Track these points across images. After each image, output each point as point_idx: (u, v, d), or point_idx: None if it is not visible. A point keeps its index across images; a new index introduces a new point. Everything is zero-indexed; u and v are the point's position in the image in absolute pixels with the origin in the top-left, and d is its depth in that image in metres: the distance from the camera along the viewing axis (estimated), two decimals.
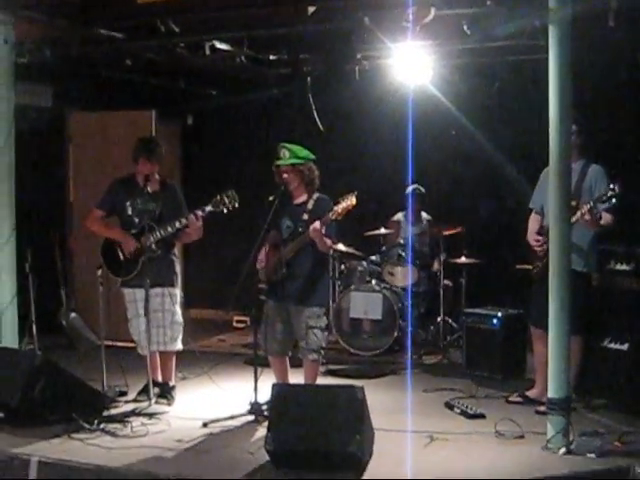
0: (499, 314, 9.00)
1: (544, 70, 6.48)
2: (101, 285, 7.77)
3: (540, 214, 7.85)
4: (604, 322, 7.71)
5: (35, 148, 10.54)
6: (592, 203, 7.10)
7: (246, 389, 7.61)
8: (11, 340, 8.58)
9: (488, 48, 9.55)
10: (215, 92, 12.45)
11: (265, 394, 6.91)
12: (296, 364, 7.77)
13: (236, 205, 7.65)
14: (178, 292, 8.10)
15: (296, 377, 7.67)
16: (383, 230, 10.67)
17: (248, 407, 7.44)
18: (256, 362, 7.46)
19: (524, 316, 8.69)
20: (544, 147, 6.57)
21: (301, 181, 7.47)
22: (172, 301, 7.93)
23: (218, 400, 8.05)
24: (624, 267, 7.56)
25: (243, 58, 9.92)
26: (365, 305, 10.16)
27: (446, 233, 10.32)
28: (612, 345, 7.62)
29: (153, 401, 7.77)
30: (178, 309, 8.04)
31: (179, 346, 8.07)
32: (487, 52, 9.79)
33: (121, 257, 7.94)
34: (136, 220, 7.93)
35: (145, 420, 7.36)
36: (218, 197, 7.67)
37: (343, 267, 10.78)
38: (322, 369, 8.39)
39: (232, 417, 7.40)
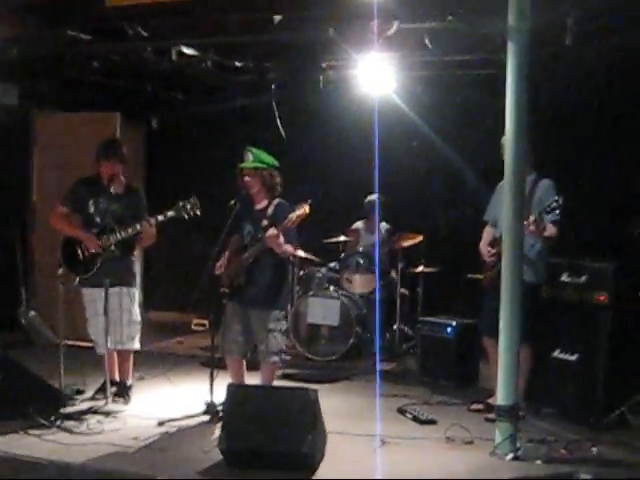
0: (453, 323, 9.15)
1: (504, 84, 6.62)
2: (61, 284, 7.80)
3: (494, 226, 8.01)
4: (554, 333, 7.84)
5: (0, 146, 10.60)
6: (537, 214, 7.25)
7: (202, 390, 7.68)
8: None
9: (450, 61, 9.73)
10: (181, 96, 12.51)
11: (221, 395, 7.01)
12: (252, 367, 7.85)
13: (198, 213, 7.74)
14: (137, 292, 8.17)
15: (252, 380, 7.75)
16: (343, 238, 10.77)
17: (204, 407, 7.52)
18: (213, 363, 7.54)
19: (477, 325, 8.83)
20: (503, 160, 6.71)
21: (262, 186, 7.55)
22: (130, 300, 8.00)
23: (174, 400, 8.12)
24: (575, 279, 7.69)
25: (209, 64, 10.02)
26: (323, 311, 10.25)
27: (405, 243, 10.44)
28: (562, 356, 7.74)
29: (110, 400, 7.80)
30: (136, 309, 8.11)
31: (136, 345, 8.14)
32: (449, 65, 9.96)
33: (80, 256, 7.98)
34: (97, 219, 7.98)
35: (101, 418, 7.42)
36: (180, 204, 7.75)
37: (302, 273, 10.86)
38: (278, 373, 8.45)
39: (187, 417, 7.46)
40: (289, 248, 7.41)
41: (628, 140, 9.78)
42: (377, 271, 10.31)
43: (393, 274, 10.67)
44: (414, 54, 9.45)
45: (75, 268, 8.03)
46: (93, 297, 8.00)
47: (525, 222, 7.20)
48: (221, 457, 6.27)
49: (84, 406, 7.77)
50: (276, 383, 7.92)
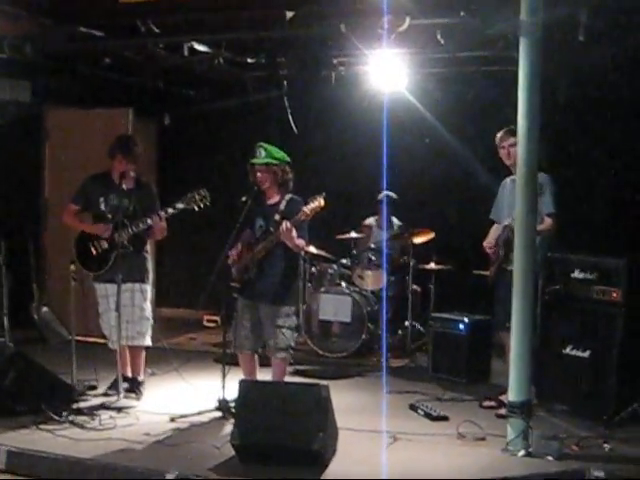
0: (465, 319, 9.15)
1: (516, 81, 6.60)
2: (73, 280, 7.82)
3: (499, 224, 8.03)
4: (566, 329, 7.84)
5: (12, 143, 10.62)
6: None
7: (214, 386, 7.68)
8: None
9: (462, 58, 9.72)
10: (193, 93, 12.53)
11: (233, 392, 7.03)
12: (265, 363, 7.85)
13: (207, 204, 7.75)
14: (149, 288, 8.19)
15: (264, 376, 7.74)
16: (354, 234, 10.77)
17: (216, 403, 7.53)
18: (224, 359, 7.56)
19: (490, 321, 8.83)
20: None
21: (274, 181, 7.56)
22: (142, 297, 8.03)
23: (186, 396, 8.14)
24: (587, 276, 7.67)
25: (221, 60, 10.02)
26: (334, 307, 10.26)
27: (417, 239, 10.45)
28: (573, 352, 7.73)
29: (122, 395, 7.81)
30: (148, 305, 8.14)
31: (147, 342, 8.16)
32: (461, 61, 9.96)
33: (94, 252, 8.02)
34: (109, 216, 8.01)
35: (113, 414, 7.44)
36: (189, 195, 7.77)
37: (314, 269, 10.88)
38: (290, 369, 8.48)
39: (199, 413, 7.49)
40: (301, 242, 7.41)
41: None
42: (384, 267, 10.32)
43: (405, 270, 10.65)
44: (426, 50, 9.44)
45: (89, 264, 8.08)
46: (106, 293, 8.03)
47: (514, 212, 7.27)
48: (233, 453, 6.28)
49: (96, 402, 7.80)
50: (288, 379, 7.94)
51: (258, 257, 7.47)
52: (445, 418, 7.53)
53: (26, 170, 11.42)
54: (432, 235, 10.45)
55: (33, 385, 7.37)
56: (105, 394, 8.01)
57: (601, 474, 5.92)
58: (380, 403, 8.09)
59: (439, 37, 8.61)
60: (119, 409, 7.59)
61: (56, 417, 7.10)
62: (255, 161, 7.54)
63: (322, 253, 10.79)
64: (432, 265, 10.43)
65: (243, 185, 7.71)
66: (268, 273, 7.49)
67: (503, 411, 7.30)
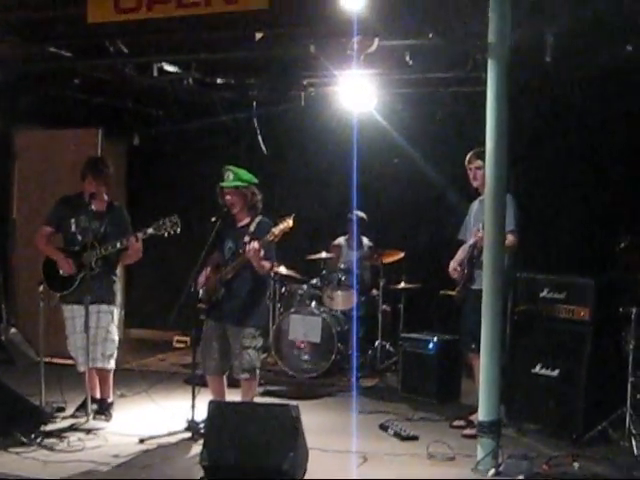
0: (435, 339, 9.17)
1: (484, 101, 6.65)
2: (42, 301, 7.79)
3: None
4: (535, 349, 7.87)
5: None
6: (481, 225, 7.30)
7: (184, 407, 7.66)
8: None
9: (431, 78, 9.78)
10: (162, 113, 12.52)
11: (203, 412, 7.01)
12: (234, 384, 7.82)
13: (178, 231, 7.72)
14: (116, 310, 8.14)
15: (234, 397, 7.71)
16: (324, 254, 10.78)
17: (185, 424, 7.51)
18: (194, 381, 7.53)
19: (458, 342, 8.87)
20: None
21: (244, 204, 7.58)
22: (107, 319, 7.98)
23: (156, 417, 8.09)
24: (555, 295, 7.73)
25: (190, 81, 10.03)
26: (304, 328, 10.24)
27: (386, 259, 10.48)
28: (543, 371, 7.76)
29: (91, 417, 7.77)
30: (114, 328, 8.08)
31: (111, 365, 8.09)
32: (429, 82, 10.01)
33: (61, 272, 7.98)
34: (79, 237, 7.98)
35: (82, 435, 7.41)
36: (161, 221, 7.74)
37: (284, 290, 10.87)
38: (260, 389, 8.46)
39: (169, 434, 7.46)
40: (267, 264, 7.41)
41: (609, 155, 9.85)
42: (355, 287, 10.33)
43: (374, 291, 10.69)
44: (395, 71, 9.49)
45: (55, 285, 8.03)
46: (72, 314, 7.98)
47: (474, 230, 7.34)
48: (203, 474, 6.24)
49: (65, 424, 7.75)
50: (258, 399, 7.92)
51: (226, 278, 7.48)
52: (415, 438, 7.54)
53: None
54: (401, 255, 10.47)
55: (0, 407, 7.29)
56: (74, 416, 7.95)
57: None
58: (350, 423, 8.09)
59: (407, 58, 8.67)
60: (88, 431, 7.55)
61: (24, 439, 7.04)
62: (224, 184, 7.55)
63: (292, 273, 10.80)
64: (402, 285, 10.45)
65: (212, 206, 7.71)
66: (235, 294, 7.49)
67: (469, 431, 7.38)
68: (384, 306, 10.56)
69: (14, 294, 11.31)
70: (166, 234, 7.73)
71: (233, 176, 7.51)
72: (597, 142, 9.92)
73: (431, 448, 7.03)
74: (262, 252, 7.24)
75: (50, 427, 7.54)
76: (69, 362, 8.39)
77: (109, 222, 8.00)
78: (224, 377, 7.72)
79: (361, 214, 10.74)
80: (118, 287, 8.21)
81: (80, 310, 7.74)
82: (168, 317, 7.94)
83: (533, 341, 7.92)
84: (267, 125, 10.98)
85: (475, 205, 8.07)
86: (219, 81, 10.30)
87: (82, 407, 7.93)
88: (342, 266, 10.66)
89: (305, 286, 10.79)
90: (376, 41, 8.16)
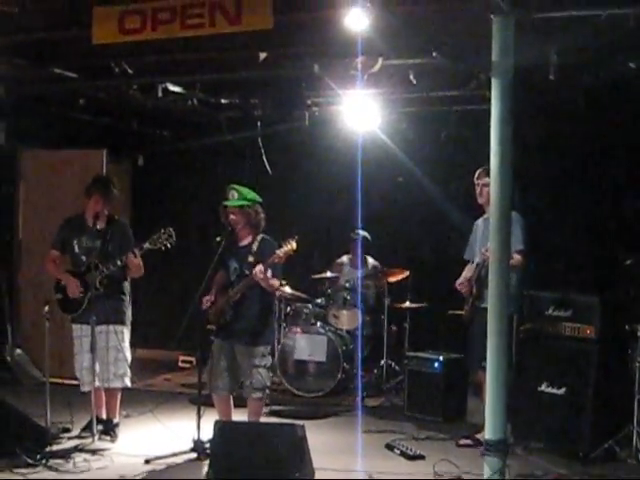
0: (440, 358, 9.16)
1: (489, 120, 6.65)
2: (47, 321, 7.78)
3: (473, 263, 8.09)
4: (541, 367, 7.86)
5: None
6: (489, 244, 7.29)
7: (189, 427, 7.64)
8: None
9: (435, 97, 9.80)
10: (167, 133, 12.55)
11: (208, 432, 7.01)
12: (240, 404, 7.83)
13: (173, 243, 7.72)
14: (126, 330, 8.14)
15: (239, 416, 7.70)
16: (329, 273, 10.78)
17: (191, 445, 7.48)
18: (200, 400, 7.52)
19: (464, 360, 8.86)
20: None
21: (247, 223, 7.59)
22: (118, 338, 7.97)
23: (161, 438, 8.07)
24: (561, 313, 7.73)
25: (195, 101, 10.06)
26: (310, 347, 10.23)
27: (391, 278, 10.47)
28: (549, 389, 7.75)
29: (96, 437, 7.77)
30: (125, 346, 8.08)
31: (126, 383, 8.10)
32: (434, 101, 10.03)
33: (69, 294, 8.00)
34: (83, 258, 8.00)
35: (88, 456, 7.38)
36: (156, 235, 7.75)
37: (289, 309, 10.85)
38: (266, 410, 8.44)
39: (174, 454, 7.43)
40: (275, 282, 7.45)
41: (614, 171, 9.84)
42: (359, 305, 10.33)
43: (380, 309, 10.66)
44: (399, 90, 9.51)
45: (65, 306, 8.06)
46: (80, 334, 8.00)
47: (483, 250, 7.33)
48: None
49: (71, 444, 7.73)
50: (263, 419, 7.90)
51: (234, 299, 7.48)
52: (421, 457, 7.52)
53: (0, 211, 11.36)
54: (406, 274, 10.46)
55: (6, 428, 7.28)
56: (79, 436, 7.94)
57: None
58: (356, 443, 8.07)
59: (412, 77, 8.69)
60: (94, 451, 7.52)
61: (30, 460, 7.02)
62: (228, 203, 7.57)
63: (297, 293, 10.77)
64: (407, 304, 10.43)
65: (217, 226, 7.73)
66: (244, 314, 7.49)
67: (465, 441, 7.61)
68: (390, 325, 10.54)
69: (20, 315, 11.30)
70: (163, 247, 7.74)
71: (238, 195, 7.53)
72: (602, 159, 9.91)
73: (437, 467, 7.02)
74: (269, 273, 7.26)
75: (56, 448, 7.51)
76: (75, 382, 8.38)
77: (111, 239, 8.01)
78: (231, 397, 7.71)
79: (364, 233, 10.72)
80: (127, 306, 8.19)
81: (87, 330, 7.78)
82: (174, 337, 7.94)
83: (539, 359, 7.91)
84: (271, 145, 10.99)
85: (480, 223, 8.08)
86: (223, 101, 10.35)
87: (88, 428, 7.92)
88: (347, 285, 10.65)
89: (310, 305, 10.77)
90: (380, 61, 8.20)
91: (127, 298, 8.23)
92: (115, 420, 8.15)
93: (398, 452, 7.69)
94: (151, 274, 8.12)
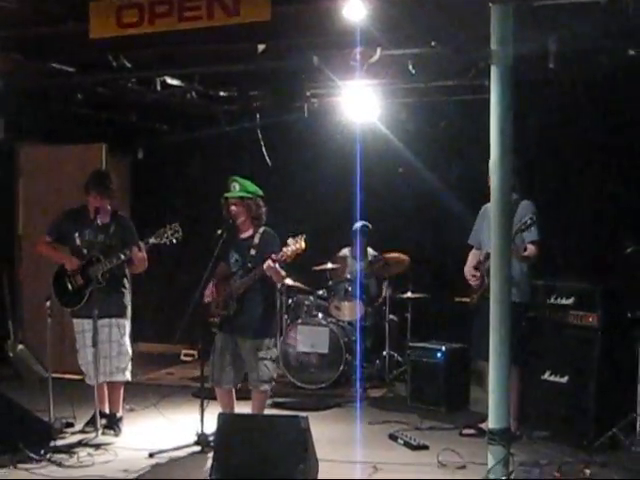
0: (443, 348, 9.16)
1: (489, 109, 6.63)
2: (49, 317, 7.78)
3: (478, 249, 8.06)
4: (544, 355, 7.86)
5: None
6: (513, 233, 7.28)
7: (193, 420, 7.64)
8: None
9: (434, 87, 9.78)
10: (166, 127, 12.53)
11: (212, 425, 7.01)
12: (242, 397, 7.84)
13: (179, 238, 7.71)
14: (127, 323, 8.13)
15: (242, 409, 7.70)
16: (330, 265, 10.77)
17: (195, 438, 7.49)
18: (203, 394, 7.51)
19: (469, 350, 8.85)
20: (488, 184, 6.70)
21: (248, 215, 7.58)
22: (120, 332, 7.98)
23: (165, 431, 8.10)
24: (565, 301, 7.72)
25: (194, 94, 10.04)
26: (312, 339, 10.22)
27: (391, 267, 10.45)
28: (552, 378, 7.76)
29: (100, 432, 7.77)
30: (126, 340, 8.08)
31: (127, 377, 8.10)
32: (433, 91, 10.01)
33: (70, 288, 7.98)
34: (84, 251, 7.98)
35: (92, 451, 7.39)
36: (162, 230, 7.73)
37: (290, 301, 10.84)
38: (268, 402, 8.42)
39: (178, 448, 7.44)
40: (283, 273, 7.45)
41: (615, 160, 9.82)
42: (358, 297, 10.32)
43: (381, 300, 10.65)
44: (398, 81, 9.49)
45: (65, 300, 8.04)
46: (82, 328, 7.98)
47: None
48: None
49: (74, 439, 7.74)
50: (266, 412, 7.89)
51: (238, 293, 7.46)
52: (425, 447, 7.52)
53: None
54: (406, 258, 10.43)
55: (9, 423, 7.28)
56: (83, 431, 7.94)
57: None
58: (359, 434, 8.07)
59: (411, 67, 8.68)
60: (97, 446, 7.53)
61: (34, 456, 7.02)
62: (229, 195, 7.57)
63: (298, 285, 10.77)
64: (409, 294, 10.43)
65: (217, 218, 7.71)
66: (248, 307, 7.47)
67: (468, 430, 7.72)
68: (391, 316, 10.55)
69: (21, 310, 11.31)
70: (168, 242, 7.73)
71: (239, 187, 7.53)
72: (603, 147, 9.89)
73: (441, 457, 7.02)
74: (277, 265, 7.25)
75: (59, 443, 7.54)
76: (77, 377, 8.40)
77: (114, 234, 8.00)
78: (233, 390, 7.70)
79: (366, 224, 10.69)
80: (128, 300, 8.18)
81: (90, 324, 7.74)
82: (175, 331, 7.93)
83: (542, 347, 7.90)
84: (271, 136, 10.98)
85: (488, 209, 8.04)
86: (222, 93, 10.33)
87: (91, 422, 7.93)
88: (348, 276, 10.65)
89: (312, 297, 10.77)
90: (379, 51, 8.18)
91: (128, 292, 8.21)
92: (118, 414, 8.15)
93: (402, 442, 7.69)
94: (152, 267, 8.11)
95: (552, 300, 7.84)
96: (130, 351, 8.12)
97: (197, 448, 7.43)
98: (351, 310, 10.43)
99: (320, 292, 10.83)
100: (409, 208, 11.34)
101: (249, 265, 7.45)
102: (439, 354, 9.16)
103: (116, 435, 7.94)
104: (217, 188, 7.83)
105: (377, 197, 10.75)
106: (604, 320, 7.47)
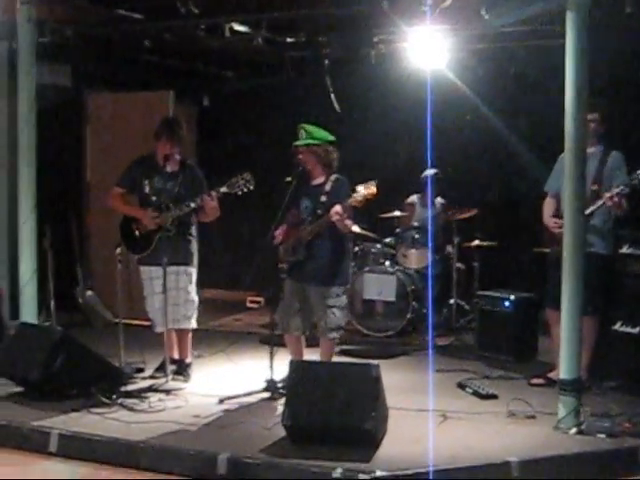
0: (512, 297, 9.06)
1: (561, 56, 6.51)
2: (119, 263, 7.83)
3: (555, 197, 7.92)
4: (616, 306, 7.77)
5: (53, 127, 10.59)
6: (622, 187, 7.17)
7: (262, 367, 7.70)
8: (30, 316, 8.65)
9: (505, 33, 9.65)
10: (232, 74, 12.52)
11: (281, 372, 7.04)
12: (311, 344, 7.86)
13: (251, 188, 7.69)
14: (194, 271, 8.14)
15: (311, 356, 7.72)
16: (397, 213, 10.72)
17: (264, 384, 7.53)
18: (272, 340, 7.55)
19: (537, 299, 8.78)
20: (561, 132, 6.58)
21: (317, 162, 7.52)
22: (187, 279, 8.02)
23: (234, 377, 8.15)
24: (637, 251, 7.62)
25: (260, 40, 9.99)
26: (378, 287, 10.21)
27: (460, 216, 10.39)
28: (623, 328, 7.68)
29: (170, 378, 7.84)
30: (193, 288, 8.11)
31: (193, 325, 8.15)
32: (504, 37, 9.87)
33: (137, 234, 8.03)
34: (153, 198, 7.99)
35: (162, 396, 7.46)
36: (234, 179, 7.71)
37: (357, 249, 10.79)
38: (336, 349, 8.45)
39: (248, 394, 7.47)
40: (350, 223, 7.38)
41: None
42: (429, 245, 10.26)
43: (449, 248, 10.60)
44: (469, 26, 9.34)
45: (132, 246, 8.10)
46: (150, 275, 8.03)
47: (607, 194, 7.17)
48: (283, 434, 6.25)
49: (144, 384, 7.82)
50: (334, 359, 7.91)
51: (307, 239, 7.43)
52: (494, 396, 7.48)
53: (68, 154, 11.45)
54: (474, 212, 10.35)
55: (82, 368, 7.38)
56: (153, 377, 8.02)
57: None
58: (427, 382, 8.05)
59: (484, 12, 8.53)
60: (168, 391, 7.60)
61: (106, 400, 7.11)
62: (296, 143, 7.52)
63: (365, 232, 10.73)
64: (476, 242, 10.35)
65: (285, 165, 7.68)
66: (317, 254, 7.44)
67: (537, 380, 7.77)
68: (458, 264, 10.49)
69: (89, 257, 11.43)
70: (239, 192, 7.72)
71: (306, 134, 7.47)
72: None
73: (511, 406, 6.97)
74: (344, 214, 7.20)
75: (130, 388, 7.61)
76: (146, 323, 8.46)
77: (183, 182, 8.00)
78: (303, 337, 7.73)
79: (434, 170, 10.60)
80: (195, 247, 8.18)
81: (158, 271, 7.79)
82: (243, 277, 7.95)
83: (613, 298, 7.81)
84: (338, 83, 10.91)
85: None
86: (289, 40, 10.26)
87: (161, 368, 8.00)
88: (416, 224, 10.59)
89: (379, 245, 10.75)
90: None
91: (195, 240, 8.23)
92: (187, 360, 8.21)
93: (470, 391, 7.67)
94: (220, 215, 8.12)
95: (624, 249, 7.72)
96: (197, 299, 8.15)
97: (266, 394, 7.46)
98: (418, 258, 10.38)
99: (387, 240, 10.79)
100: (478, 156, 11.28)
101: (319, 212, 7.39)
102: (507, 303, 9.08)
103: (185, 381, 8.01)
104: (283, 135, 7.81)
105: (445, 145, 10.62)
106: None
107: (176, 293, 7.94)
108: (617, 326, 7.74)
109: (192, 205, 7.81)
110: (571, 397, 6.55)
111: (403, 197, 11.07)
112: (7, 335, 8.75)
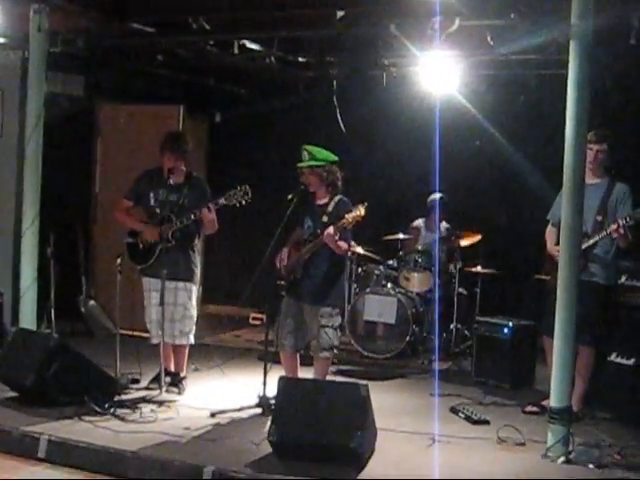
0: (510, 324, 9.05)
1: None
2: (119, 274, 7.86)
3: (557, 226, 7.93)
4: (611, 336, 7.76)
5: (64, 137, 10.67)
6: (628, 219, 7.17)
7: (256, 383, 7.70)
8: (29, 322, 8.69)
9: (514, 61, 9.66)
10: (243, 91, 12.58)
11: (275, 389, 7.06)
12: (306, 362, 7.88)
13: (249, 200, 7.74)
14: (194, 287, 8.18)
15: (306, 375, 7.75)
16: (402, 235, 10.74)
17: (256, 400, 7.54)
18: (267, 357, 7.56)
19: (535, 327, 8.78)
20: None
21: (320, 183, 7.58)
22: (186, 296, 8.05)
23: (228, 392, 8.17)
24: (634, 282, 7.62)
25: (272, 59, 10.04)
26: (380, 308, 10.23)
27: (463, 242, 10.40)
28: (618, 359, 7.68)
29: (164, 389, 7.88)
30: (192, 304, 8.14)
31: (190, 340, 8.17)
32: (514, 64, 9.89)
33: (140, 245, 8.11)
34: (157, 211, 8.07)
35: (155, 407, 7.49)
36: (232, 191, 7.78)
37: (360, 270, 10.84)
38: (332, 369, 8.48)
39: (240, 409, 7.49)
40: (344, 245, 7.41)
41: None
42: (436, 269, 10.27)
43: (451, 267, 10.59)
44: (477, 52, 9.38)
45: (136, 257, 8.18)
46: (149, 287, 8.10)
47: (613, 226, 7.17)
48: (271, 449, 6.27)
49: (138, 395, 7.84)
50: (330, 378, 7.93)
51: (304, 258, 7.50)
52: (486, 422, 7.48)
53: (77, 164, 11.49)
54: (478, 237, 10.37)
55: (76, 376, 7.40)
56: (148, 388, 8.06)
57: None
58: (421, 405, 8.07)
59: (489, 39, 8.57)
60: (160, 403, 7.63)
61: (98, 409, 7.13)
62: (300, 165, 7.59)
63: (369, 254, 10.76)
64: (478, 268, 10.36)
65: (291, 183, 7.73)
66: (312, 274, 7.51)
67: (531, 408, 7.67)
68: (460, 289, 10.50)
69: (94, 267, 11.47)
70: (237, 204, 7.77)
71: (309, 156, 7.53)
72: None
73: (501, 433, 6.97)
74: (337, 235, 7.24)
75: (124, 398, 7.63)
76: (145, 335, 8.49)
77: (187, 194, 8.06)
78: (297, 355, 7.75)
79: (441, 195, 10.63)
80: (197, 262, 8.24)
81: (157, 284, 7.85)
82: (244, 294, 7.99)
83: (610, 329, 7.80)
84: (348, 105, 10.93)
85: None
86: (300, 59, 10.31)
87: (156, 379, 8.04)
88: (420, 248, 10.61)
89: (382, 267, 10.77)
90: (457, 21, 8.09)
91: (197, 255, 8.28)
92: (183, 373, 8.25)
93: (462, 416, 7.66)
94: (223, 231, 8.17)
95: (622, 280, 7.74)
96: (195, 314, 8.19)
97: (258, 410, 7.48)
98: (420, 281, 10.42)
99: (390, 262, 10.81)
100: (485, 181, 11.28)
101: (318, 232, 7.45)
102: (506, 330, 9.06)
103: (179, 393, 8.04)
104: (292, 154, 7.83)
105: (453, 169, 10.65)
106: None
107: (174, 308, 7.98)
108: (612, 357, 7.73)
109: (192, 217, 7.87)
110: (560, 425, 6.54)
111: (408, 220, 11.09)
112: (6, 341, 8.80)
